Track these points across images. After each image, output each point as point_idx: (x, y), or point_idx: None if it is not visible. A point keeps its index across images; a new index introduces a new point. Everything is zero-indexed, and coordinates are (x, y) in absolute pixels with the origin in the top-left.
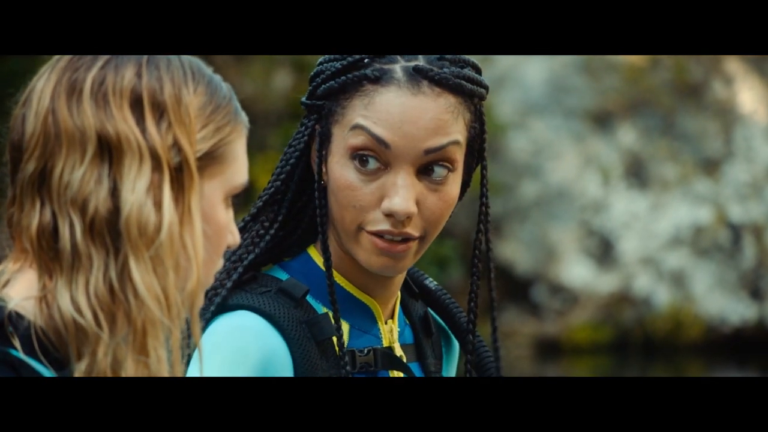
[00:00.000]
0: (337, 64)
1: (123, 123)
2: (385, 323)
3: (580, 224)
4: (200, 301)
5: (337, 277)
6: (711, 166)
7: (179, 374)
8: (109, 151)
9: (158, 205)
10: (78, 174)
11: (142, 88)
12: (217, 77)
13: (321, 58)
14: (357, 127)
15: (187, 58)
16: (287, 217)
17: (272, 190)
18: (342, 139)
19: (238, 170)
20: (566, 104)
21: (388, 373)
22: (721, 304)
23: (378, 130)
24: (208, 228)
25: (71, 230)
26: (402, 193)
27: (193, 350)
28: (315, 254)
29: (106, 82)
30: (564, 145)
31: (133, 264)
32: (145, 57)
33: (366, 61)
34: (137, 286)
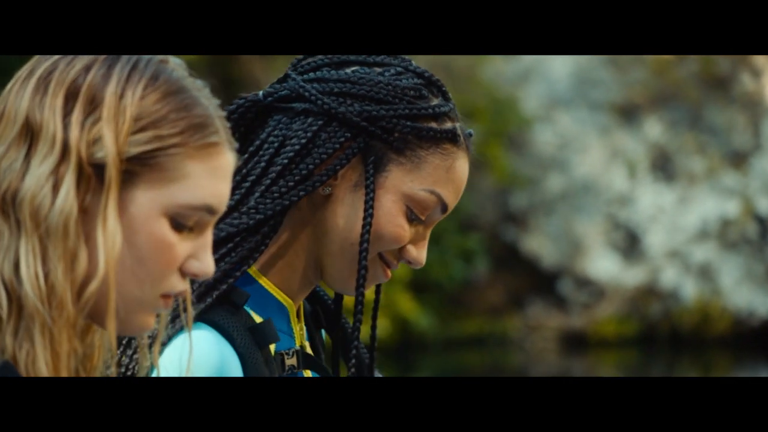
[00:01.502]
0: (416, 107)
1: (49, 111)
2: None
3: (607, 217)
4: (109, 311)
5: (261, 279)
6: (738, 159)
7: (66, 374)
8: (30, 135)
9: (56, 190)
10: (1, 150)
11: (84, 81)
12: (205, 95)
13: (363, 72)
14: (434, 194)
15: (163, 67)
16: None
17: (287, 203)
18: (404, 184)
19: (187, 189)
20: (592, 97)
21: (303, 374)
22: (749, 297)
23: (450, 200)
24: (135, 238)
25: None
26: (424, 246)
27: (106, 360)
28: (252, 270)
29: (55, 71)
30: (590, 139)
31: (22, 246)
32: (110, 56)
33: (448, 110)
34: (21, 269)
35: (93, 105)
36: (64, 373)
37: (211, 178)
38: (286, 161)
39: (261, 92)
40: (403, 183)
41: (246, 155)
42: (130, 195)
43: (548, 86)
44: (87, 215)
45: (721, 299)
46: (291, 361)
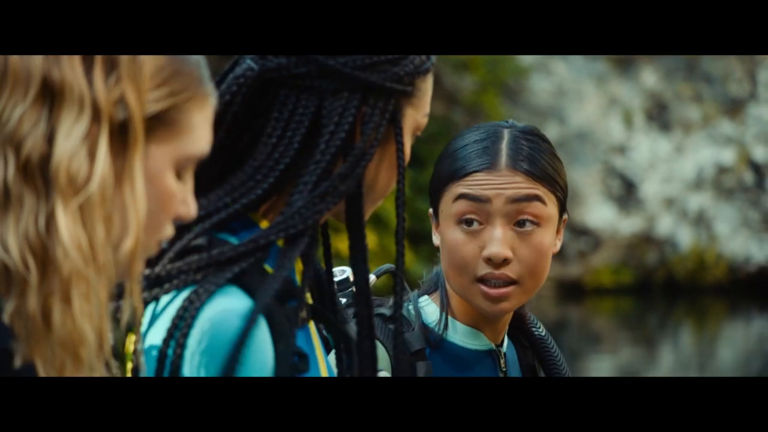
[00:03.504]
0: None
1: (69, 69)
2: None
3: (603, 166)
4: (139, 265)
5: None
6: (734, 107)
7: (105, 331)
8: (51, 96)
9: (92, 155)
10: (17, 113)
11: None
12: None
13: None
14: (427, 114)
15: None
16: (282, 181)
17: (292, 152)
18: (414, 120)
19: (193, 140)
20: None
21: (308, 325)
22: (745, 244)
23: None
24: (151, 191)
25: (5, 168)
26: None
27: (132, 317)
28: (265, 225)
29: None
30: (586, 88)
31: (60, 211)
32: None
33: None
34: (62, 234)
35: (111, 63)
36: (105, 333)
37: (207, 126)
38: (339, 143)
39: (255, 66)
40: (414, 119)
41: (258, 134)
42: (146, 152)
43: None
44: (114, 176)
45: (717, 247)
46: (302, 314)
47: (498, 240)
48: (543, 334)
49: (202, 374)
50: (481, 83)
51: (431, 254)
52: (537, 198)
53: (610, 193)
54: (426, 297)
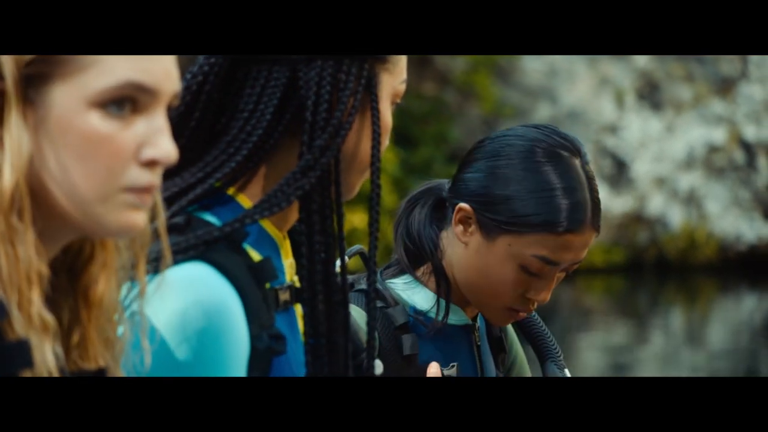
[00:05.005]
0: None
1: None
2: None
3: (595, 146)
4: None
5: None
6: (725, 87)
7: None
8: None
9: None
10: None
11: None
12: None
13: None
14: (405, 80)
15: None
16: (260, 153)
17: (264, 124)
18: (391, 86)
19: (102, 72)
20: None
21: (294, 309)
22: (735, 223)
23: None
24: (68, 138)
25: None
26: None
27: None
28: (242, 200)
29: None
30: (578, 68)
31: None
32: None
33: None
34: None
35: None
36: (24, 284)
37: (131, 56)
38: (319, 114)
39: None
40: (391, 86)
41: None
42: (48, 97)
43: None
44: None
45: (708, 226)
46: (284, 296)
47: (549, 290)
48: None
49: (179, 355)
50: (473, 63)
51: None
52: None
53: (601, 172)
54: (407, 276)
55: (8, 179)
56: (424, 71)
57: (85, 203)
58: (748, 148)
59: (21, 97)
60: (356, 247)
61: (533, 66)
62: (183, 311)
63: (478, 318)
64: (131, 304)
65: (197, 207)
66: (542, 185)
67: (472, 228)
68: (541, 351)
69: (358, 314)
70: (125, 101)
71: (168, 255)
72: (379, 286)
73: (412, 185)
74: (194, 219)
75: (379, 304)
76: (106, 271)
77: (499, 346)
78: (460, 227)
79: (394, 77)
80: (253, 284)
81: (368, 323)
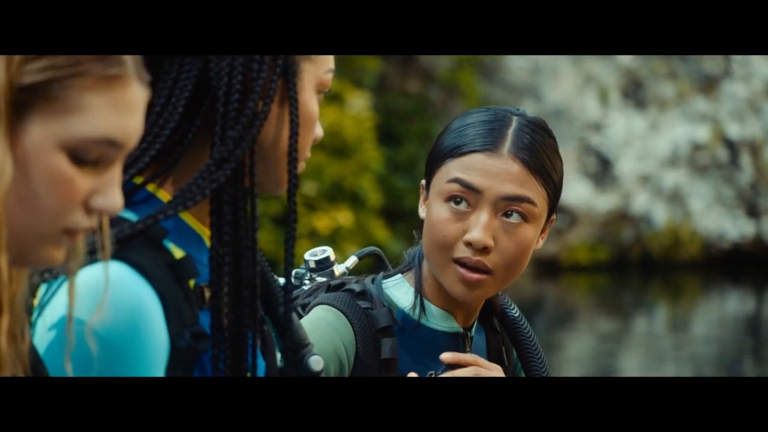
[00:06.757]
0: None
1: None
2: None
3: (579, 144)
4: None
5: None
6: (709, 85)
7: None
8: None
9: None
10: None
11: None
12: None
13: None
14: (331, 70)
15: None
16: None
17: (176, 117)
18: (315, 76)
19: (84, 122)
20: None
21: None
22: (719, 221)
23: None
24: (30, 170)
25: None
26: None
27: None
28: (163, 196)
29: None
30: (562, 65)
31: None
32: None
33: None
34: None
35: None
36: None
37: (113, 111)
38: (232, 104)
39: None
40: (313, 75)
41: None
42: (24, 127)
43: None
44: None
45: (692, 223)
46: (207, 295)
47: (482, 227)
48: (516, 315)
49: (94, 355)
50: (457, 61)
51: (408, 232)
52: (528, 200)
53: (585, 170)
54: (399, 276)
55: None
56: (408, 69)
57: (24, 234)
58: (732, 146)
59: (9, 123)
60: (370, 248)
61: (518, 63)
62: (92, 304)
63: (474, 329)
64: (45, 306)
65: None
66: (461, 125)
67: (424, 198)
68: (523, 354)
69: (314, 316)
70: (93, 152)
71: (83, 255)
72: (370, 287)
73: (397, 183)
74: (114, 218)
75: (364, 305)
76: (18, 274)
77: (499, 359)
78: (422, 199)
79: (318, 66)
80: (173, 282)
81: (285, 319)
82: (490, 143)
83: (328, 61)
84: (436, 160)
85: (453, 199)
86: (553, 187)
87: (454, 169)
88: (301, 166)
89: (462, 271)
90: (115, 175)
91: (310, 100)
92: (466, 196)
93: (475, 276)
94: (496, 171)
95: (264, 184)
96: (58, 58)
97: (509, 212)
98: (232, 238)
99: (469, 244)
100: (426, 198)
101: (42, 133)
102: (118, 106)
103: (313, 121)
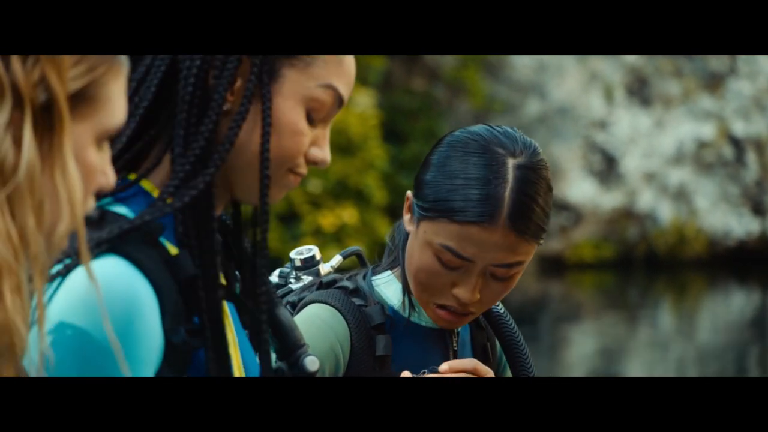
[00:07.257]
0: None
1: None
2: None
3: (584, 141)
4: (80, 246)
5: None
6: (714, 82)
7: (43, 321)
8: None
9: (17, 143)
10: None
11: None
12: None
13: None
14: (331, 87)
15: None
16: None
17: (144, 107)
18: (300, 86)
19: (111, 112)
20: None
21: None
22: (724, 218)
23: (345, 92)
24: (69, 170)
25: None
26: (326, 143)
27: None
28: (151, 188)
29: None
30: (567, 63)
31: None
32: None
33: None
34: None
35: None
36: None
37: (122, 96)
38: (196, 102)
39: None
40: (301, 85)
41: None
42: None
43: None
44: (42, 161)
45: (697, 221)
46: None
47: (472, 287)
48: (501, 311)
49: (90, 348)
50: (463, 59)
51: None
52: (519, 263)
53: (591, 168)
54: (388, 272)
55: (66, 221)
56: (413, 67)
57: (63, 231)
58: (737, 144)
59: (71, 129)
60: (353, 248)
61: (523, 62)
62: (94, 304)
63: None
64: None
65: (111, 200)
66: (457, 173)
67: (411, 217)
68: (507, 348)
69: (308, 313)
70: (107, 139)
71: (83, 250)
72: (363, 284)
73: (402, 181)
74: (108, 213)
75: (358, 302)
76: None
77: (484, 355)
78: (408, 216)
79: (306, 77)
80: (170, 278)
81: (257, 317)
82: (487, 215)
83: (325, 75)
84: (428, 203)
85: (442, 262)
86: (545, 230)
87: (447, 234)
88: (294, 181)
89: (443, 313)
90: (108, 153)
91: (289, 109)
92: (458, 262)
93: (457, 318)
94: (491, 243)
95: (241, 193)
96: (91, 59)
97: (499, 276)
98: (206, 233)
99: (459, 301)
100: (412, 217)
101: (81, 133)
102: (123, 90)
103: (294, 131)
